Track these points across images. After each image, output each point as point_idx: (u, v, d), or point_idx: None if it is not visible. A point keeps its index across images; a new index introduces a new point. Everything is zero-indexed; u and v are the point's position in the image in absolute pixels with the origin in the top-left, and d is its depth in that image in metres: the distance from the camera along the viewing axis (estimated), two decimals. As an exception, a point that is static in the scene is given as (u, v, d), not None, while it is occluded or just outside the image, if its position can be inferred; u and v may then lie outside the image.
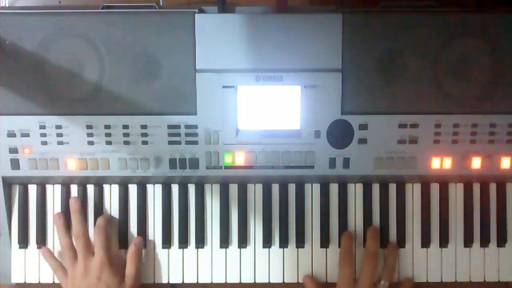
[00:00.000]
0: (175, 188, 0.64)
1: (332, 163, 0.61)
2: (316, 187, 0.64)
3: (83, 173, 0.61)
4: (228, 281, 0.64)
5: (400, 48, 0.59)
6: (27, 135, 0.60)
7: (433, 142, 0.61)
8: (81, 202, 0.62)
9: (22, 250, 0.63)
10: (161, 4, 0.65)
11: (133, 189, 0.64)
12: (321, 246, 0.63)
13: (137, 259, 0.61)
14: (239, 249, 0.64)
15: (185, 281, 0.64)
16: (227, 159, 0.61)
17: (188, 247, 0.64)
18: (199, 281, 0.64)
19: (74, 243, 0.61)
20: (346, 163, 0.61)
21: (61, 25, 0.58)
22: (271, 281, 0.63)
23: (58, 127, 0.60)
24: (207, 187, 0.64)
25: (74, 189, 0.64)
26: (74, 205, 0.62)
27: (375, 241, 0.61)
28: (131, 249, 0.61)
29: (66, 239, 0.61)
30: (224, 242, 0.63)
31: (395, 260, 0.62)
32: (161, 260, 0.64)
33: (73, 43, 0.59)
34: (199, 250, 0.64)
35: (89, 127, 0.60)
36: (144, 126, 0.60)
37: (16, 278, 0.64)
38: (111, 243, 0.62)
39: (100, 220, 0.62)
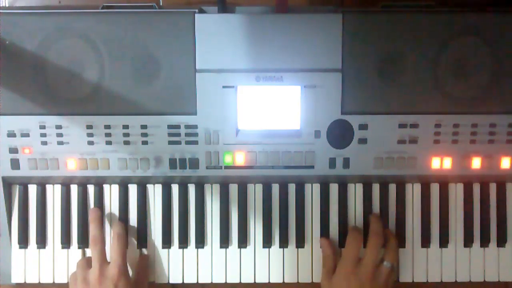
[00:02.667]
0: (175, 188, 0.64)
1: (332, 163, 0.61)
2: (316, 187, 0.64)
3: (83, 173, 0.61)
4: (228, 281, 0.64)
5: (400, 48, 0.59)
6: (27, 135, 0.60)
7: (433, 142, 0.61)
8: (101, 213, 0.63)
9: (22, 250, 0.63)
10: (161, 4, 0.66)
11: (133, 189, 0.64)
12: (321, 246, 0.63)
13: (146, 275, 0.62)
14: (239, 249, 0.64)
15: (185, 281, 0.64)
16: (227, 159, 0.61)
17: (188, 247, 0.64)
18: (199, 281, 0.64)
19: (90, 249, 0.60)
20: (346, 163, 0.61)
21: (61, 25, 0.58)
22: (271, 281, 0.63)
23: (58, 127, 0.60)
24: (207, 187, 0.64)
25: (74, 189, 0.64)
26: (93, 214, 0.62)
27: (379, 223, 0.61)
28: (142, 264, 0.62)
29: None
30: (224, 242, 0.63)
31: (396, 241, 0.62)
32: (161, 260, 0.64)
33: (73, 43, 0.59)
34: (199, 250, 0.64)
35: (89, 127, 0.60)
36: (144, 126, 0.60)
37: (16, 278, 0.64)
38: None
39: (119, 228, 0.61)
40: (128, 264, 0.61)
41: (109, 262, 0.59)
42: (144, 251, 0.64)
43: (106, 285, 0.57)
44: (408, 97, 0.59)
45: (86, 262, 0.60)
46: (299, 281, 0.63)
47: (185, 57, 0.59)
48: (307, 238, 0.64)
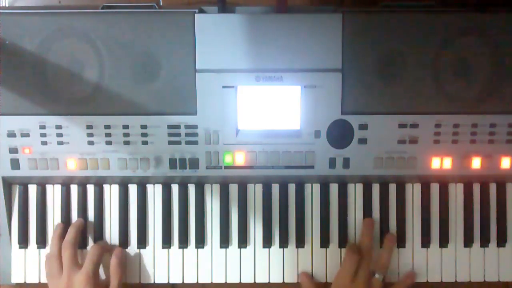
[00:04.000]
0: (175, 188, 0.64)
1: (332, 163, 0.61)
2: (316, 187, 0.64)
3: (83, 173, 0.61)
4: (228, 281, 0.64)
5: (400, 48, 0.59)
6: (27, 135, 0.60)
7: (433, 142, 0.61)
8: (83, 223, 0.63)
9: (22, 250, 0.63)
10: (161, 4, 0.66)
11: (133, 189, 0.64)
12: (321, 246, 0.64)
13: (119, 271, 0.60)
14: (239, 249, 0.64)
15: (185, 281, 0.64)
16: (227, 159, 0.61)
17: (188, 247, 0.64)
18: (199, 281, 0.64)
19: (62, 254, 0.60)
20: (346, 163, 0.61)
21: (61, 25, 0.58)
22: (271, 281, 0.63)
23: (58, 127, 0.60)
24: (207, 187, 0.64)
25: (74, 189, 0.64)
26: (75, 222, 0.62)
27: (369, 237, 0.61)
28: (113, 262, 0.61)
29: (56, 248, 0.61)
30: (224, 242, 0.63)
31: (390, 254, 0.62)
32: (161, 260, 0.64)
33: (73, 43, 0.59)
34: (199, 250, 0.64)
35: (89, 127, 0.60)
36: (144, 126, 0.60)
37: (16, 278, 0.64)
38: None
39: (101, 241, 0.63)
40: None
41: (81, 267, 0.59)
42: (144, 251, 0.64)
43: None
44: (408, 97, 0.59)
45: (60, 266, 0.60)
46: (299, 281, 0.63)
47: (185, 57, 0.59)
48: (307, 238, 0.64)
